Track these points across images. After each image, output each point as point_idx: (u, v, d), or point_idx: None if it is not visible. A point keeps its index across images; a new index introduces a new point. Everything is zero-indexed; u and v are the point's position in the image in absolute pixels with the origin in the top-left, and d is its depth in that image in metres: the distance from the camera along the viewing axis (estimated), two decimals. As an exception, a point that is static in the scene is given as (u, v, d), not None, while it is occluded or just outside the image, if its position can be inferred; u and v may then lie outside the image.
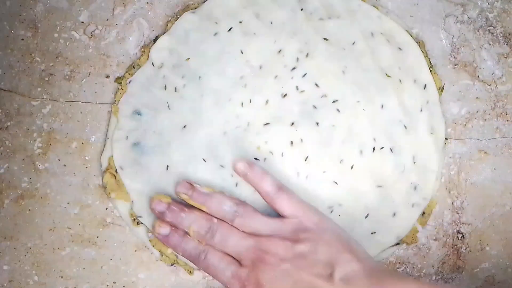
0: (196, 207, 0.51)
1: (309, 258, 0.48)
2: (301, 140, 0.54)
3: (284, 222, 0.50)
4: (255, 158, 0.53)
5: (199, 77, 0.54)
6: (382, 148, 0.54)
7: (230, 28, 0.55)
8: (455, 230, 0.56)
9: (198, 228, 0.50)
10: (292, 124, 0.54)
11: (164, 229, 0.51)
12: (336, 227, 0.51)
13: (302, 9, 0.55)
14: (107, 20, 0.56)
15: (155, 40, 0.55)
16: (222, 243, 0.50)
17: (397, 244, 0.54)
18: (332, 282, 0.46)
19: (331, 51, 0.55)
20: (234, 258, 0.50)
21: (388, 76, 0.55)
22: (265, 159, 0.54)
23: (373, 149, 0.54)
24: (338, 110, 0.54)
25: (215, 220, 0.50)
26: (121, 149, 0.54)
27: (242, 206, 0.51)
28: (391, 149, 0.54)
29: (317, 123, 0.54)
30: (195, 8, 0.56)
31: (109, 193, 0.54)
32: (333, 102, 0.54)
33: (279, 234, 0.49)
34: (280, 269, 0.48)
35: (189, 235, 0.51)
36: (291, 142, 0.54)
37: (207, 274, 0.53)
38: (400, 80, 0.55)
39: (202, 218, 0.50)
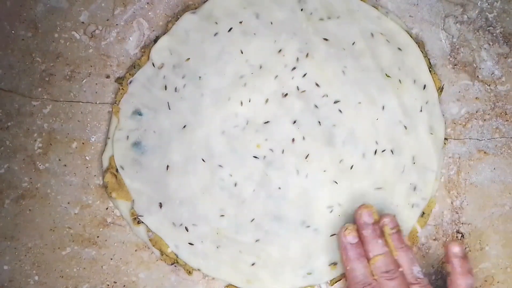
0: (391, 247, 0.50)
1: None
2: (303, 138, 0.54)
3: None
4: (254, 157, 0.54)
5: (199, 77, 0.54)
6: (383, 151, 0.54)
7: (230, 28, 0.55)
8: (455, 230, 0.56)
9: (383, 263, 0.49)
10: (294, 122, 0.54)
11: (353, 238, 0.50)
12: None
13: (302, 9, 0.55)
14: (107, 20, 0.56)
15: (155, 41, 0.55)
16: None
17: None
18: None
19: (331, 51, 0.55)
20: None
21: (388, 76, 0.55)
22: (264, 157, 0.54)
23: (375, 152, 0.54)
24: (340, 111, 0.54)
25: (400, 270, 0.49)
26: (121, 149, 0.54)
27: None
28: (391, 150, 0.54)
29: (319, 122, 0.54)
30: (195, 8, 0.56)
31: (110, 192, 0.54)
32: (335, 102, 0.54)
33: None
34: None
35: (368, 261, 0.50)
36: (293, 140, 0.54)
37: (207, 274, 0.53)
38: (400, 81, 0.55)
39: (391, 258, 0.50)
